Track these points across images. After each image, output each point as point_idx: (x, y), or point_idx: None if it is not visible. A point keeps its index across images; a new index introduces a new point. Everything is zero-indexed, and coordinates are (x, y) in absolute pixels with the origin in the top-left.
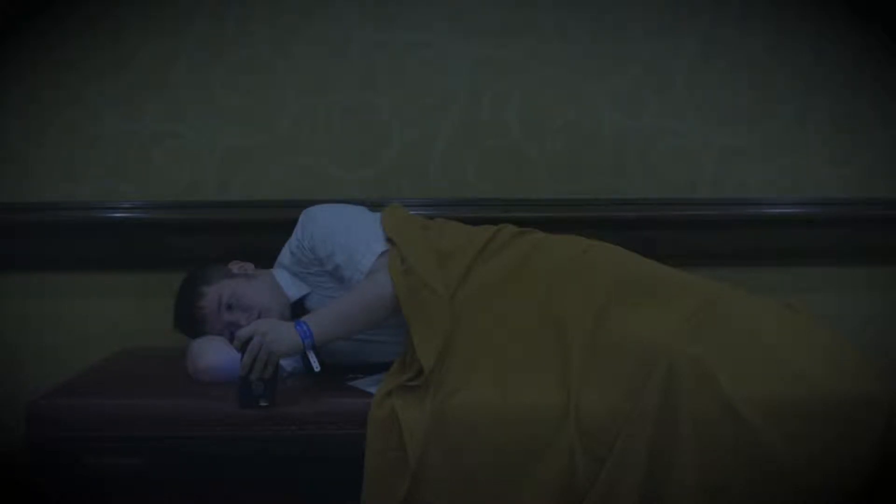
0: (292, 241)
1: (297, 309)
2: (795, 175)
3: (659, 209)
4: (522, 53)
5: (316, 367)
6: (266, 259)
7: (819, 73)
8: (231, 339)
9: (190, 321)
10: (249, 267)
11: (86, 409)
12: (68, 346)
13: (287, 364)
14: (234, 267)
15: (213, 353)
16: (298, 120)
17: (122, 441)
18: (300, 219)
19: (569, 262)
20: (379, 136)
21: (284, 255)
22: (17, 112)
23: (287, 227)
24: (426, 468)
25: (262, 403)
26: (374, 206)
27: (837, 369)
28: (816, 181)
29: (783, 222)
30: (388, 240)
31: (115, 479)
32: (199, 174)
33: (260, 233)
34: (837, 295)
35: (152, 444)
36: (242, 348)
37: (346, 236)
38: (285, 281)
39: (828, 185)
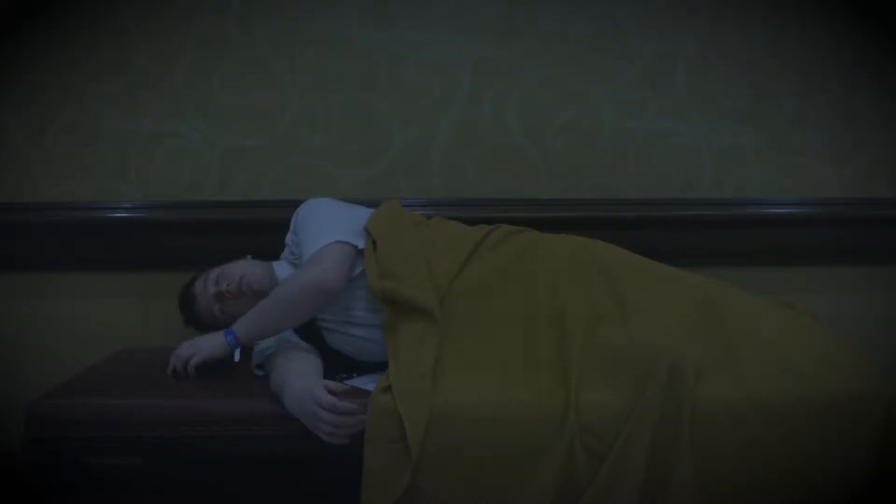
0: (289, 232)
1: None
2: (795, 175)
3: (659, 209)
4: (522, 53)
5: (236, 358)
6: (266, 259)
7: (819, 73)
8: (220, 316)
9: (184, 301)
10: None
11: (86, 409)
12: (68, 346)
13: None
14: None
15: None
16: (298, 120)
17: (122, 441)
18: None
19: (567, 260)
20: (379, 136)
21: (285, 251)
22: (17, 112)
23: (287, 227)
24: (426, 463)
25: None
26: (374, 206)
27: (837, 369)
28: (816, 181)
29: (783, 222)
30: (372, 241)
31: (115, 479)
32: (199, 174)
33: (260, 233)
34: (837, 295)
35: (152, 444)
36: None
37: (323, 220)
38: (280, 267)
39: (828, 185)
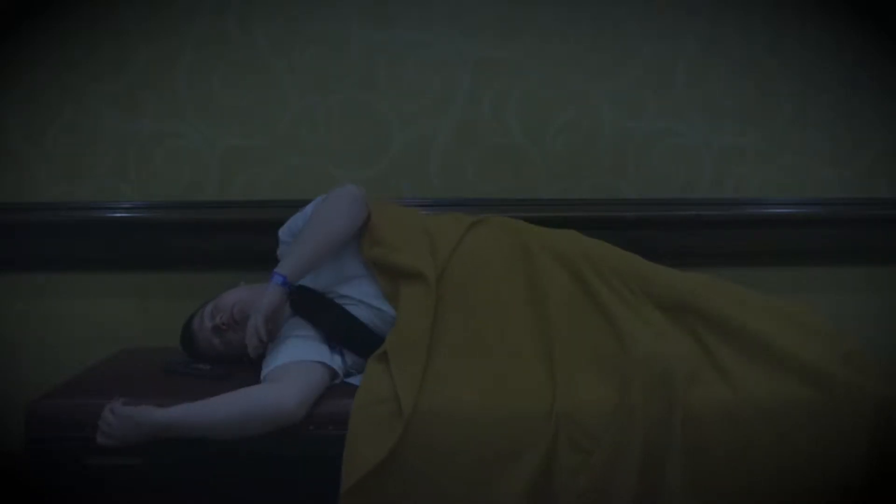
0: (279, 246)
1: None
2: (795, 175)
3: (659, 209)
4: (522, 53)
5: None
6: (266, 259)
7: (819, 73)
8: (221, 348)
9: (186, 340)
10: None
11: (86, 409)
12: (68, 346)
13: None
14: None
15: None
16: (298, 120)
17: None
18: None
19: (560, 254)
20: (379, 136)
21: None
22: (17, 112)
23: None
24: (410, 435)
25: None
26: None
27: (833, 368)
28: (816, 181)
29: (783, 222)
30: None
31: (115, 479)
32: (199, 174)
33: (260, 233)
34: (837, 295)
35: (152, 444)
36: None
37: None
38: None
39: (828, 185)
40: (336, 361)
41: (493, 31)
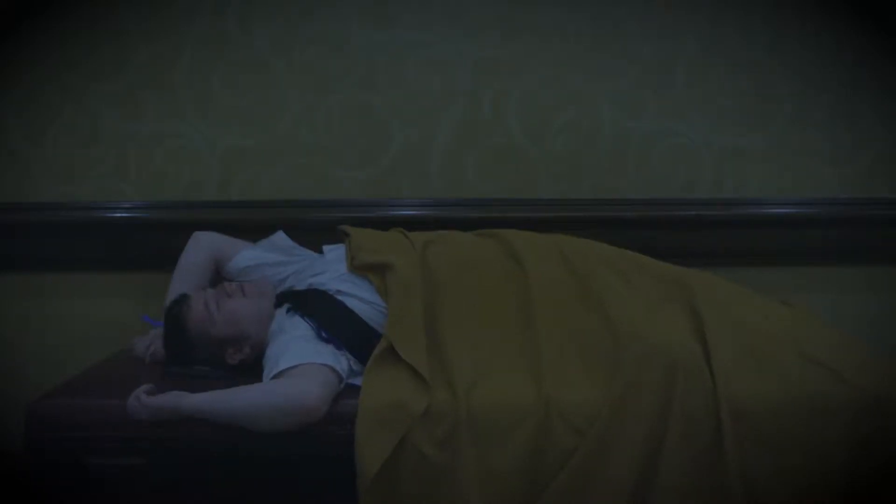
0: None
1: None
2: (795, 175)
3: (659, 209)
4: (522, 53)
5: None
6: None
7: (819, 73)
8: (214, 311)
9: (177, 307)
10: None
11: (86, 409)
12: (68, 346)
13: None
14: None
15: None
16: (298, 120)
17: (122, 441)
18: None
19: (544, 245)
20: (379, 136)
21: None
22: (17, 112)
23: (287, 227)
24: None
25: None
26: (374, 206)
27: (837, 365)
28: (816, 181)
29: (783, 222)
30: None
31: (115, 479)
32: (199, 174)
33: (260, 233)
34: (837, 295)
35: (152, 444)
36: None
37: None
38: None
39: (828, 185)
40: (342, 364)
41: (493, 31)
